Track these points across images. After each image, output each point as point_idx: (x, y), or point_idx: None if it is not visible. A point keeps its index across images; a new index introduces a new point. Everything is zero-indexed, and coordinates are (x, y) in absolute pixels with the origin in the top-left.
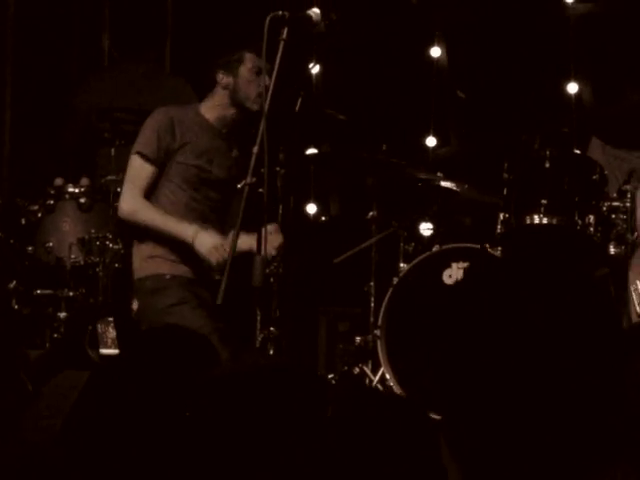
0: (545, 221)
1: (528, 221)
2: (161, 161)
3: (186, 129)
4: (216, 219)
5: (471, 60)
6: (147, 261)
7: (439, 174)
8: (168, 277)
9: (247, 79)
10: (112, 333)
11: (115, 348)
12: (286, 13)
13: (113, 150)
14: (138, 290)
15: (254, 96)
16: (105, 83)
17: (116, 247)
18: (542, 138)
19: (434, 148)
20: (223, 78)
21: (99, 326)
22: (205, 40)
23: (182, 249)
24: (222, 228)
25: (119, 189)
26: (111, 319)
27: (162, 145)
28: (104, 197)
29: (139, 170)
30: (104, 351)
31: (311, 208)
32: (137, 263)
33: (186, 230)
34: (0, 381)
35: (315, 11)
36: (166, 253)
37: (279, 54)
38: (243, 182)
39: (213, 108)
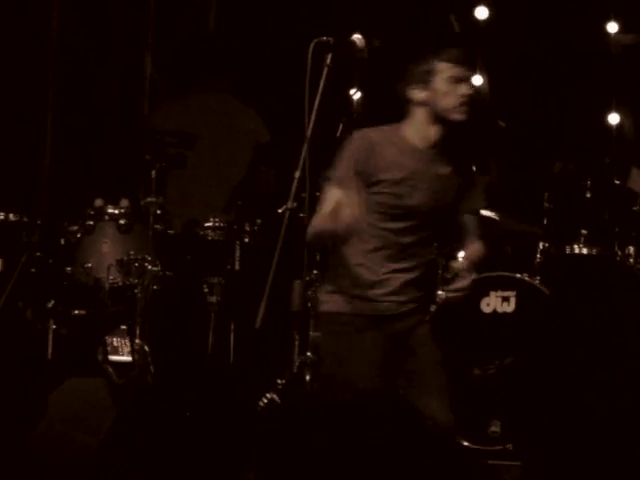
0: (585, 251)
1: (568, 251)
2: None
3: (387, 154)
4: (418, 248)
5: (513, 89)
6: (328, 296)
7: None
8: (346, 318)
9: (444, 90)
10: (127, 343)
11: (129, 356)
12: (330, 39)
13: (154, 172)
14: (319, 323)
15: (455, 105)
16: (176, 109)
17: (155, 269)
18: (578, 166)
19: None
20: (417, 94)
21: (115, 339)
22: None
23: (369, 281)
24: (426, 256)
25: (159, 211)
26: (124, 328)
27: (358, 171)
28: (143, 219)
29: (330, 195)
30: (116, 358)
31: None
32: (321, 295)
33: None
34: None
35: (359, 37)
36: (349, 287)
37: (323, 80)
38: (284, 207)
39: (414, 128)
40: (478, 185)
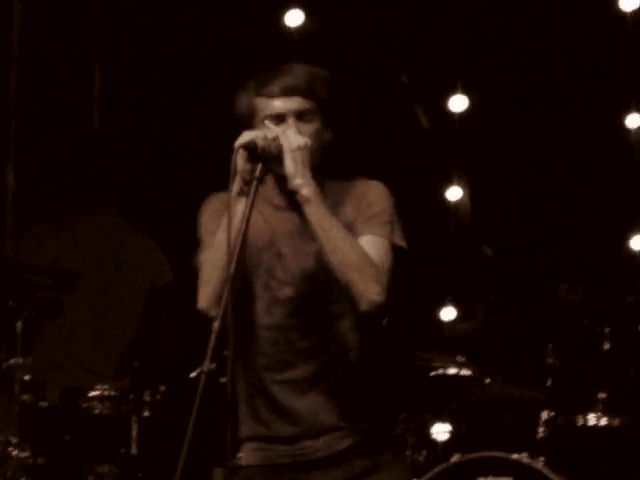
0: (604, 422)
1: (581, 422)
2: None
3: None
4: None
5: (500, 205)
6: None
7: (459, 358)
8: (251, 471)
9: None
10: None
11: None
12: (259, 141)
13: (20, 324)
14: None
15: None
16: (49, 238)
17: (22, 455)
18: (589, 289)
19: (452, 322)
20: None
21: None
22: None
23: (273, 424)
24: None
25: (27, 377)
26: None
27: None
28: (7, 388)
29: None
30: None
31: None
32: None
33: None
34: None
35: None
36: (252, 429)
37: (250, 199)
38: (198, 369)
39: None
40: None
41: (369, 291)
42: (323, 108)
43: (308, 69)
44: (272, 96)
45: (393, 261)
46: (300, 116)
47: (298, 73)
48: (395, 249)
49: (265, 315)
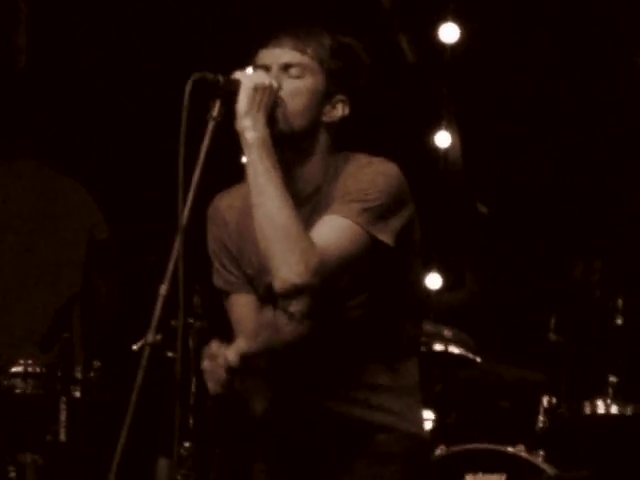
0: (615, 410)
1: (588, 410)
2: None
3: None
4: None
5: (497, 154)
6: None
7: (446, 333)
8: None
9: None
10: None
11: None
12: (220, 77)
13: None
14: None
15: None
16: None
17: None
18: (608, 269)
19: (438, 292)
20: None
21: None
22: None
23: None
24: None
25: None
26: None
27: None
28: None
29: None
30: None
31: None
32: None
33: None
34: None
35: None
36: None
37: (207, 140)
38: (141, 342)
39: None
40: None
41: (286, 268)
42: (327, 74)
43: (312, 29)
44: (262, 47)
45: (360, 250)
46: (285, 68)
47: (296, 28)
48: (375, 242)
49: None
